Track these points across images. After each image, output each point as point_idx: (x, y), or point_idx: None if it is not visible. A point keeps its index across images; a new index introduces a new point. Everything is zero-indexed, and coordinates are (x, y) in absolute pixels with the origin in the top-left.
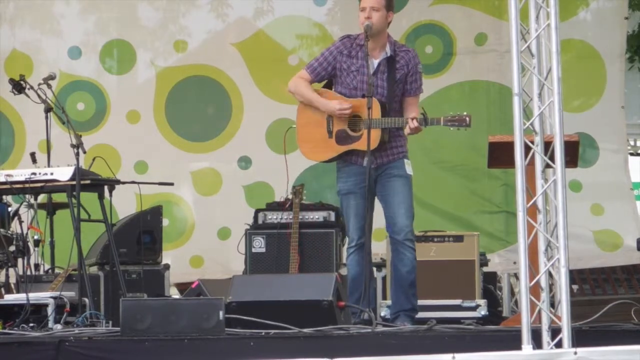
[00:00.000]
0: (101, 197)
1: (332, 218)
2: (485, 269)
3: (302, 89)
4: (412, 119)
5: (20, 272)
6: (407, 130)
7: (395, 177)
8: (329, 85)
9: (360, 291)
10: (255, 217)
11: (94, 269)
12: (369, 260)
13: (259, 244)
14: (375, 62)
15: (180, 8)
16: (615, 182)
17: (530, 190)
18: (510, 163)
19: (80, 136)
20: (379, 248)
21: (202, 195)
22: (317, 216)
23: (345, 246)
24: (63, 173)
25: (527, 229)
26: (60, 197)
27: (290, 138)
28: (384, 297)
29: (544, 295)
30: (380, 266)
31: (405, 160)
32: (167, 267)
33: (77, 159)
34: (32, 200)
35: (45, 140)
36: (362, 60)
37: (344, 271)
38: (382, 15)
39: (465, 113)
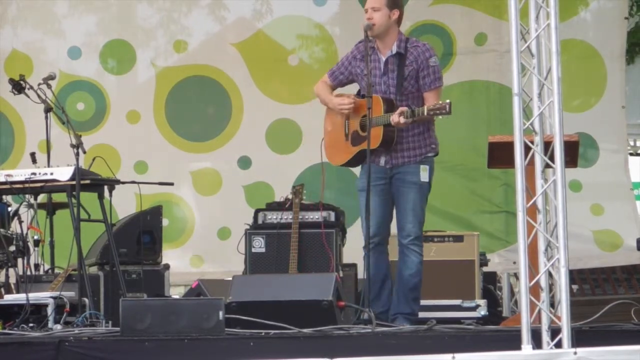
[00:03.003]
0: (101, 197)
1: (332, 218)
2: (485, 269)
3: (321, 91)
4: (399, 113)
5: (20, 272)
6: (392, 122)
7: (407, 184)
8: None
9: (375, 293)
10: (255, 217)
11: (94, 269)
12: (383, 261)
13: (259, 244)
14: (382, 59)
15: (181, 8)
16: (615, 182)
17: (530, 190)
18: (510, 163)
19: (80, 136)
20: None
21: (202, 195)
22: (317, 216)
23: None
24: (63, 173)
25: (527, 229)
26: (60, 197)
27: (289, 138)
28: None
29: (544, 295)
30: None
31: (422, 166)
32: (167, 267)
33: (77, 159)
34: (32, 200)
35: (45, 140)
36: (374, 63)
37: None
38: (383, 14)
39: (447, 101)
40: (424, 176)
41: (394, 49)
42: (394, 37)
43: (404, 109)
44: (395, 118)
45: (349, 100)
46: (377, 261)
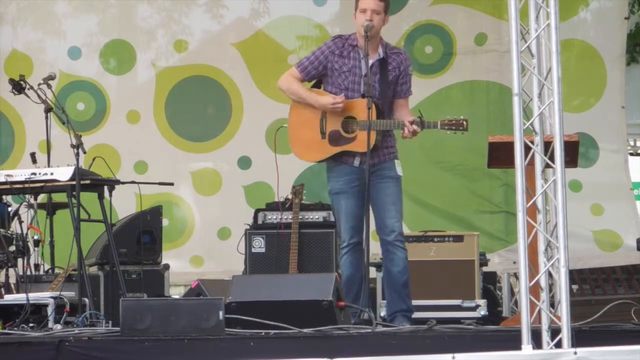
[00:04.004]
0: (101, 197)
1: (332, 218)
2: (485, 269)
3: (294, 86)
4: (411, 122)
5: (20, 272)
6: (405, 134)
7: (386, 179)
8: (317, 85)
9: (354, 292)
10: (255, 217)
11: (94, 269)
12: (361, 262)
13: (259, 244)
14: (369, 62)
15: (181, 8)
16: (615, 182)
17: (530, 190)
18: (510, 163)
19: (80, 136)
20: (378, 248)
21: (202, 195)
22: (317, 216)
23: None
24: (63, 173)
25: (527, 229)
26: (60, 197)
27: (286, 138)
28: (383, 297)
29: (544, 295)
30: (379, 266)
31: (396, 161)
32: (167, 267)
33: (77, 159)
34: (32, 200)
35: (45, 140)
36: (355, 61)
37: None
38: (381, 19)
39: (462, 117)
40: (399, 170)
41: (381, 53)
42: (378, 41)
43: (415, 118)
44: (410, 128)
45: (341, 98)
46: (357, 261)
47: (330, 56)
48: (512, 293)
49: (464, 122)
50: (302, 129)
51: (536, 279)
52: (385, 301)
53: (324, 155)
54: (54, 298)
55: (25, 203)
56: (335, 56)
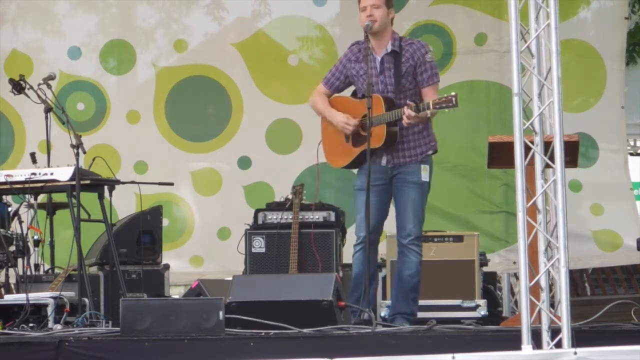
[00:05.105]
0: (101, 197)
1: (332, 218)
2: (485, 269)
3: (317, 104)
4: (407, 107)
5: (20, 272)
6: (404, 121)
7: (408, 184)
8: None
9: (362, 290)
10: (255, 217)
11: (94, 269)
12: (371, 259)
13: (259, 244)
14: (378, 59)
15: (181, 8)
16: (615, 182)
17: (530, 190)
18: (510, 163)
19: (80, 136)
20: (379, 248)
21: (202, 195)
22: (317, 216)
23: (352, 243)
24: (63, 173)
25: (527, 229)
26: (60, 197)
27: (289, 138)
28: (384, 297)
29: (544, 295)
30: (380, 266)
31: (422, 166)
32: (167, 267)
33: (77, 159)
34: (32, 200)
35: (45, 141)
36: (370, 63)
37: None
38: (384, 12)
39: (452, 93)
40: (424, 176)
41: (389, 47)
42: (388, 37)
43: (411, 104)
44: (406, 113)
45: (355, 121)
46: (370, 258)
47: (348, 64)
48: (512, 293)
49: (453, 99)
50: (331, 136)
51: (536, 279)
52: (385, 301)
53: (350, 158)
54: (54, 298)
55: (25, 203)
56: (351, 62)
